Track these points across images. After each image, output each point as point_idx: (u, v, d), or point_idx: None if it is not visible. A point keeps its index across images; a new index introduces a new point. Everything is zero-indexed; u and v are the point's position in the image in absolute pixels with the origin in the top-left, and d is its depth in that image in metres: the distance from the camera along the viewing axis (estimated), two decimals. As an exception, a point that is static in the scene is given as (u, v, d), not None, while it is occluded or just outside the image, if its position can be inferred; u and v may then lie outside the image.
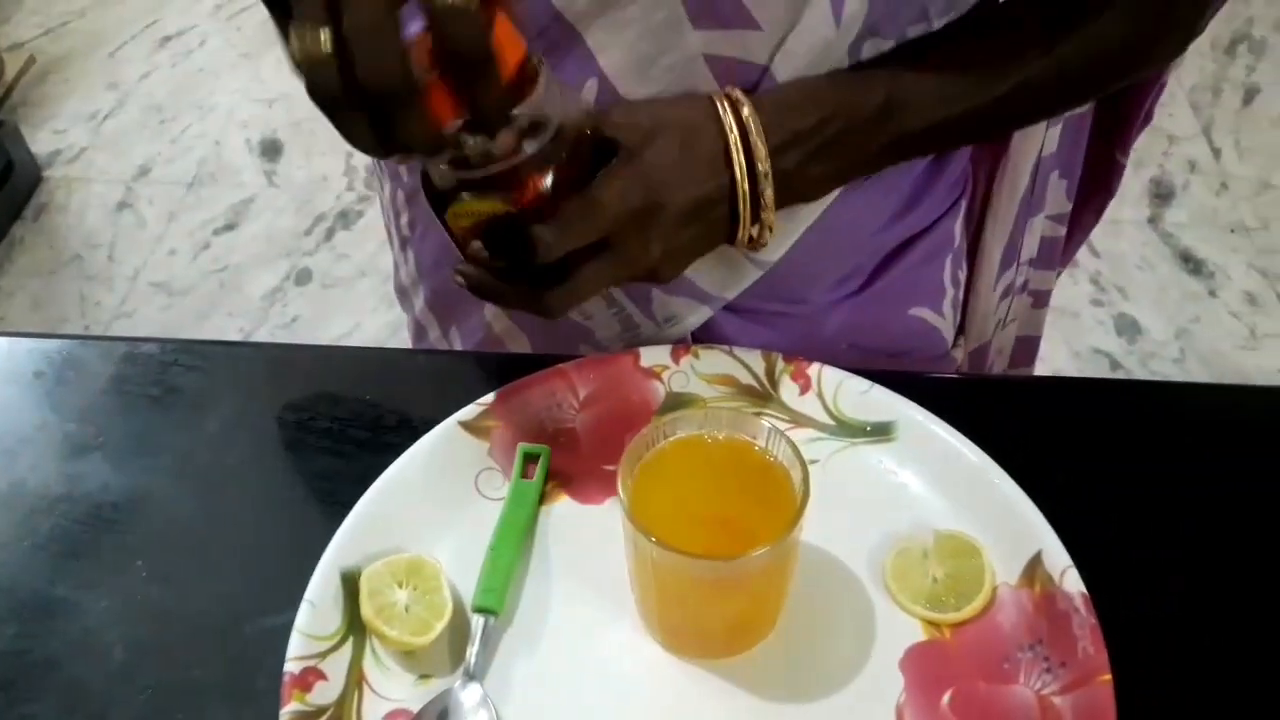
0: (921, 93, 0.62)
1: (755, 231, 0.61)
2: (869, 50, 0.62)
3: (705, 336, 0.72)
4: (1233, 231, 1.98)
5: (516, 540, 0.59)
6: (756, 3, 0.59)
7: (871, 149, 0.63)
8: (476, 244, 0.56)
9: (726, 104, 0.59)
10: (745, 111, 0.59)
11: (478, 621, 0.56)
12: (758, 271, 0.69)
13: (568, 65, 0.63)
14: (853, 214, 0.69)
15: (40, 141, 2.20)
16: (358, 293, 1.93)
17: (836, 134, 0.61)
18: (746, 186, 0.59)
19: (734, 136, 0.59)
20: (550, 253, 0.54)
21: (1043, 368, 1.79)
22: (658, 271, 0.60)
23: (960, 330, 0.84)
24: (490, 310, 0.76)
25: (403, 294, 0.85)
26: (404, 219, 0.79)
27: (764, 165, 0.59)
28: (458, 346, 0.80)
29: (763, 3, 0.59)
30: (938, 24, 0.63)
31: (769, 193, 0.60)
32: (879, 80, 0.61)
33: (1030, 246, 0.83)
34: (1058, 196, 0.81)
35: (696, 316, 0.71)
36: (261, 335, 1.86)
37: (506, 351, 0.78)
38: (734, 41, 0.61)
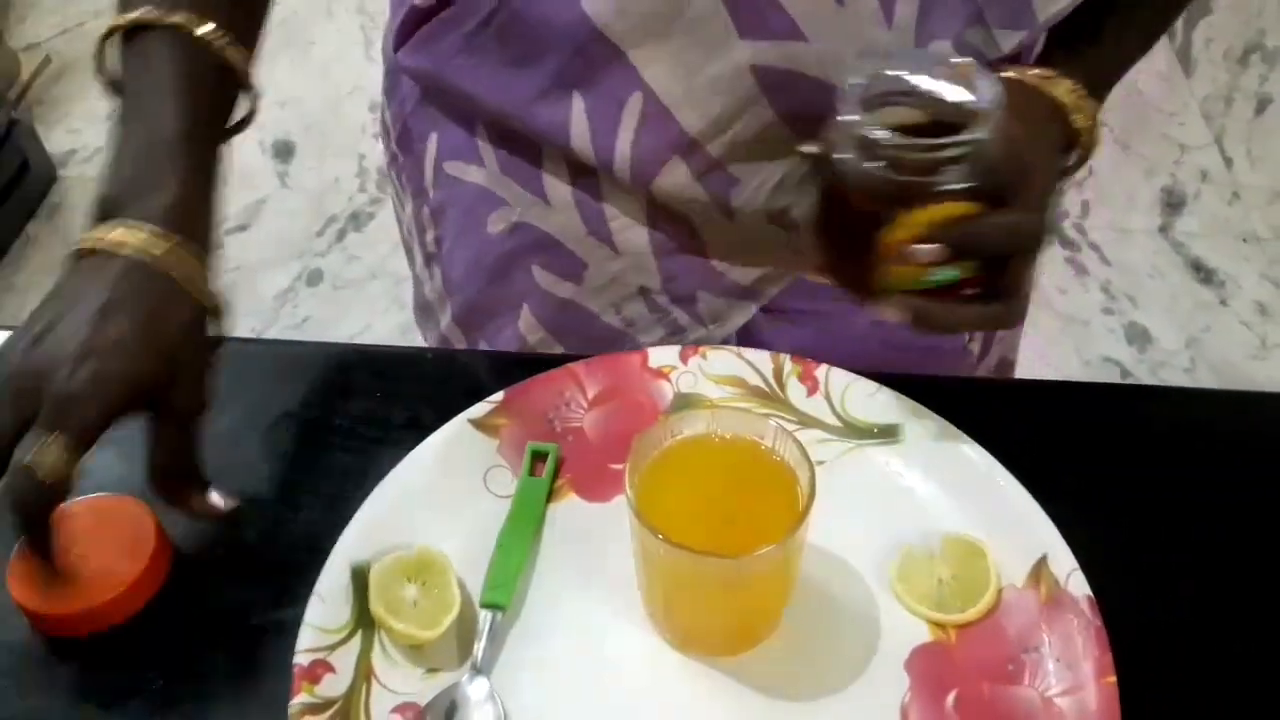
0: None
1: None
2: None
3: (745, 338, 0.74)
4: (1244, 241, 1.98)
5: (525, 537, 0.60)
6: (801, 12, 0.60)
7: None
8: (925, 249, 0.55)
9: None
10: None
11: (485, 617, 0.56)
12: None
13: (610, 81, 0.64)
14: None
15: (55, 141, 2.21)
16: (368, 294, 1.94)
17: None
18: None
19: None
20: (1035, 241, 0.56)
21: (1052, 375, 1.79)
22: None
23: None
24: (525, 322, 0.77)
25: (425, 311, 0.85)
26: (429, 235, 0.79)
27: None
28: None
29: (808, 12, 0.60)
30: (998, 34, 0.63)
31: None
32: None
33: None
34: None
35: (741, 315, 0.74)
36: (272, 335, 1.87)
37: (519, 352, 0.79)
38: (783, 52, 0.61)
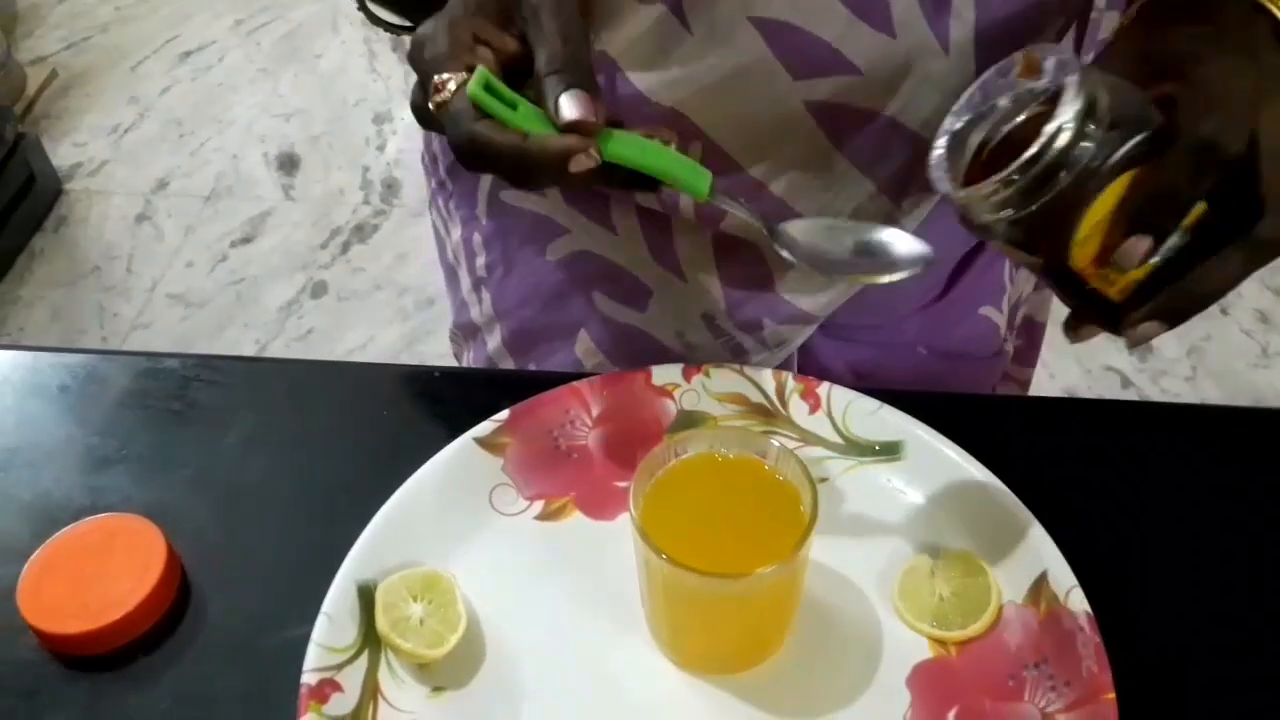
0: None
1: None
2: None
3: (804, 356, 0.76)
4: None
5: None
6: (854, 50, 0.59)
7: None
8: (1132, 248, 0.48)
9: None
10: None
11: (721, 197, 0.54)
12: (853, 289, 0.71)
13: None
14: (942, 229, 0.69)
15: (61, 154, 2.22)
16: (372, 306, 1.95)
17: None
18: None
19: None
20: (1235, 132, 0.49)
21: (1053, 384, 1.80)
22: None
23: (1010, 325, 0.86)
24: (582, 346, 0.77)
25: (469, 332, 0.84)
26: (480, 260, 0.80)
27: None
28: None
29: (860, 49, 0.59)
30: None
31: None
32: None
33: None
34: None
35: (800, 337, 0.74)
36: (277, 347, 1.88)
37: (525, 369, 0.79)
38: (837, 86, 0.60)
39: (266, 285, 1.98)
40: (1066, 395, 1.77)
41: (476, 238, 0.79)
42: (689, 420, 0.66)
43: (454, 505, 0.62)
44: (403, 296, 1.95)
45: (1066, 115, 0.47)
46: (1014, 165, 0.47)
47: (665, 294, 0.73)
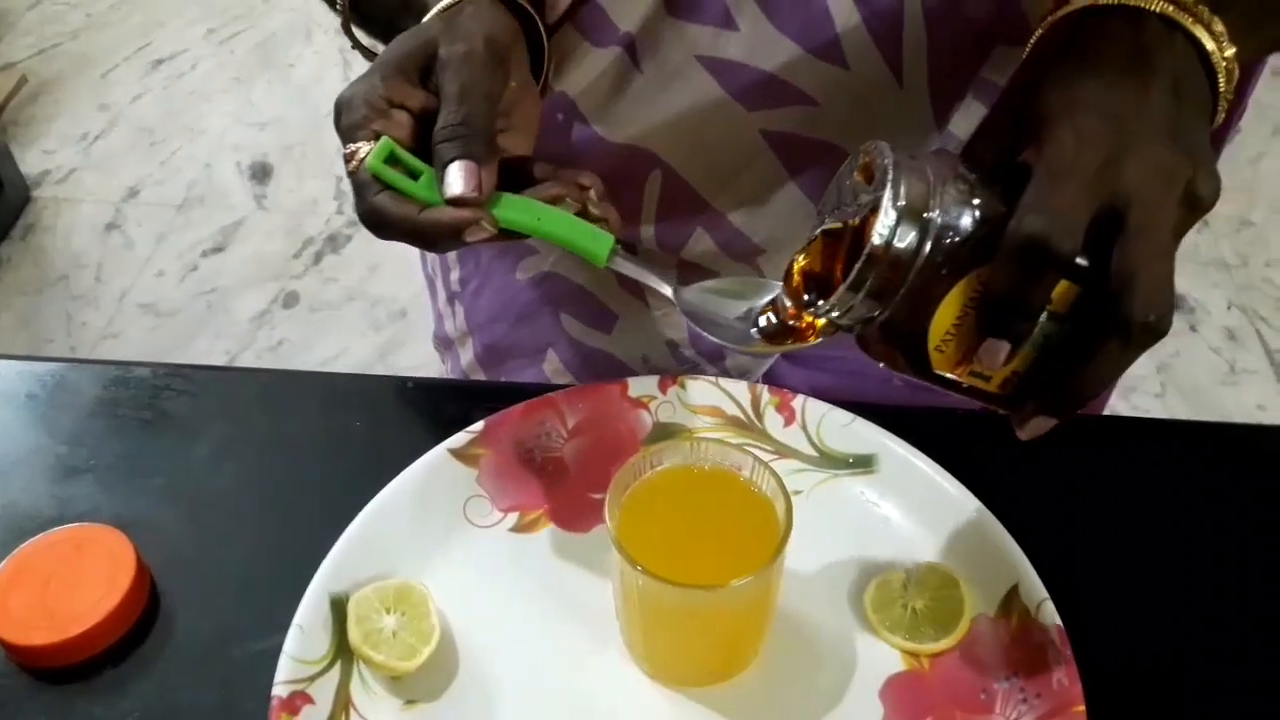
0: None
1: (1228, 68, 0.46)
2: (961, 119, 0.61)
3: (768, 383, 0.75)
4: (1213, 268, 2.01)
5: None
6: (800, 78, 0.59)
7: None
8: (989, 349, 0.44)
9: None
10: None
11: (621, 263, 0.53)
12: None
13: (629, 165, 0.65)
14: None
15: (30, 161, 2.20)
16: (345, 317, 1.94)
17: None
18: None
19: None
20: (1069, 237, 0.41)
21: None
22: (1200, 196, 0.44)
23: None
24: (550, 365, 0.77)
25: (445, 344, 0.86)
26: (454, 275, 0.80)
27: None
28: None
29: (805, 75, 0.58)
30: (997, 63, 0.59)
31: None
32: None
33: None
34: None
35: (762, 367, 0.75)
36: (248, 358, 1.86)
37: (499, 380, 0.80)
38: (792, 117, 0.61)
39: (238, 295, 1.97)
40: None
41: (451, 253, 0.79)
42: (665, 432, 0.66)
43: (428, 517, 0.62)
44: (375, 308, 1.94)
45: (882, 229, 0.43)
46: (842, 286, 0.44)
47: (630, 319, 0.74)
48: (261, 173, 2.19)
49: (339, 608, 0.57)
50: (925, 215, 0.43)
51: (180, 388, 0.71)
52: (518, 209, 0.51)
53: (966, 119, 0.63)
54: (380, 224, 0.50)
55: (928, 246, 0.43)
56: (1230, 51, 0.45)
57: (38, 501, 0.65)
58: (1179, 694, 0.58)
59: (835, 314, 0.46)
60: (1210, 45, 0.45)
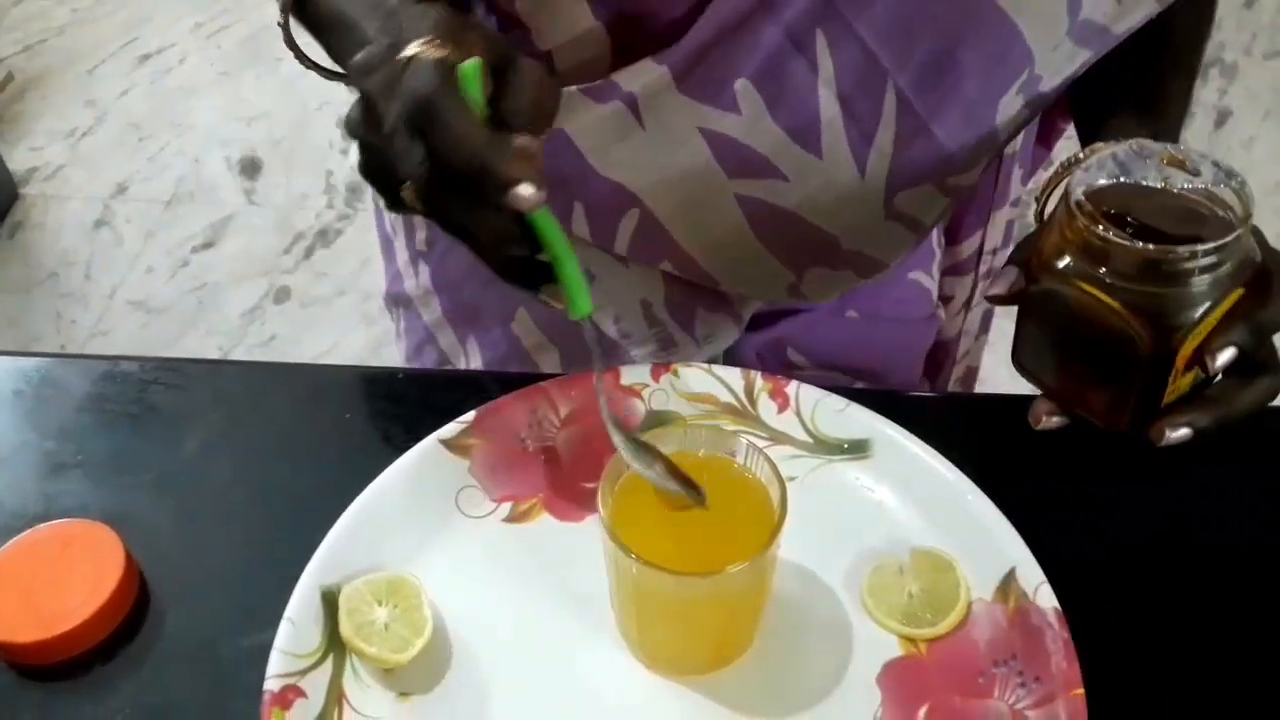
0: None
1: None
2: (905, 202, 0.66)
3: (729, 354, 0.78)
4: (1204, 251, 2.01)
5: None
6: (781, 160, 0.63)
7: None
8: (1225, 357, 0.50)
9: None
10: None
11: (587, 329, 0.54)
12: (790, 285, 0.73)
13: (610, 199, 0.67)
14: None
15: (17, 159, 2.19)
16: (336, 311, 1.93)
17: None
18: None
19: None
20: None
21: (1019, 381, 1.81)
22: None
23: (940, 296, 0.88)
24: (520, 324, 0.78)
25: (403, 304, 0.86)
26: (420, 235, 0.81)
27: None
28: (475, 356, 0.82)
29: (786, 159, 0.63)
30: (964, 175, 0.65)
31: None
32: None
33: (994, 237, 0.86)
34: (1016, 185, 0.85)
35: (728, 336, 0.76)
36: (239, 354, 1.85)
37: (490, 370, 0.79)
38: (763, 187, 0.65)
39: (228, 291, 1.96)
40: (1034, 393, 1.78)
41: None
42: (658, 419, 0.66)
43: (419, 508, 0.61)
44: (367, 302, 1.93)
45: (1239, 221, 0.48)
46: (1208, 245, 0.48)
47: (607, 278, 0.74)
48: (251, 168, 2.18)
49: (330, 601, 0.56)
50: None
51: (169, 382, 0.71)
52: (553, 221, 0.50)
53: (916, 200, 0.66)
54: (428, 119, 0.45)
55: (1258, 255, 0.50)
56: None
57: (25, 498, 0.65)
58: (1178, 676, 0.57)
59: (1190, 260, 0.48)
60: None
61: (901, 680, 0.56)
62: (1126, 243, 0.48)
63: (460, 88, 0.46)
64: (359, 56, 0.48)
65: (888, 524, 0.62)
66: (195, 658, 0.58)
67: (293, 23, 0.60)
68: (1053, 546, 0.58)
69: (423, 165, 0.46)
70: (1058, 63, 0.62)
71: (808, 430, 0.65)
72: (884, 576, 0.59)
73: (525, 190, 0.45)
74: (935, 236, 0.83)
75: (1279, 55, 2.36)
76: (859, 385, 0.81)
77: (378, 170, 0.48)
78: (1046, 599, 0.56)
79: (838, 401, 0.65)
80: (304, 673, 0.54)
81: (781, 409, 0.66)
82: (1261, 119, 2.23)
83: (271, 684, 0.53)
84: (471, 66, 0.46)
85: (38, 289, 1.97)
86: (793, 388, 0.66)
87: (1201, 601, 0.60)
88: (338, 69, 0.58)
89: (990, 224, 0.84)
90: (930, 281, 0.84)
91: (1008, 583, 0.58)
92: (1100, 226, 0.49)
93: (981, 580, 0.58)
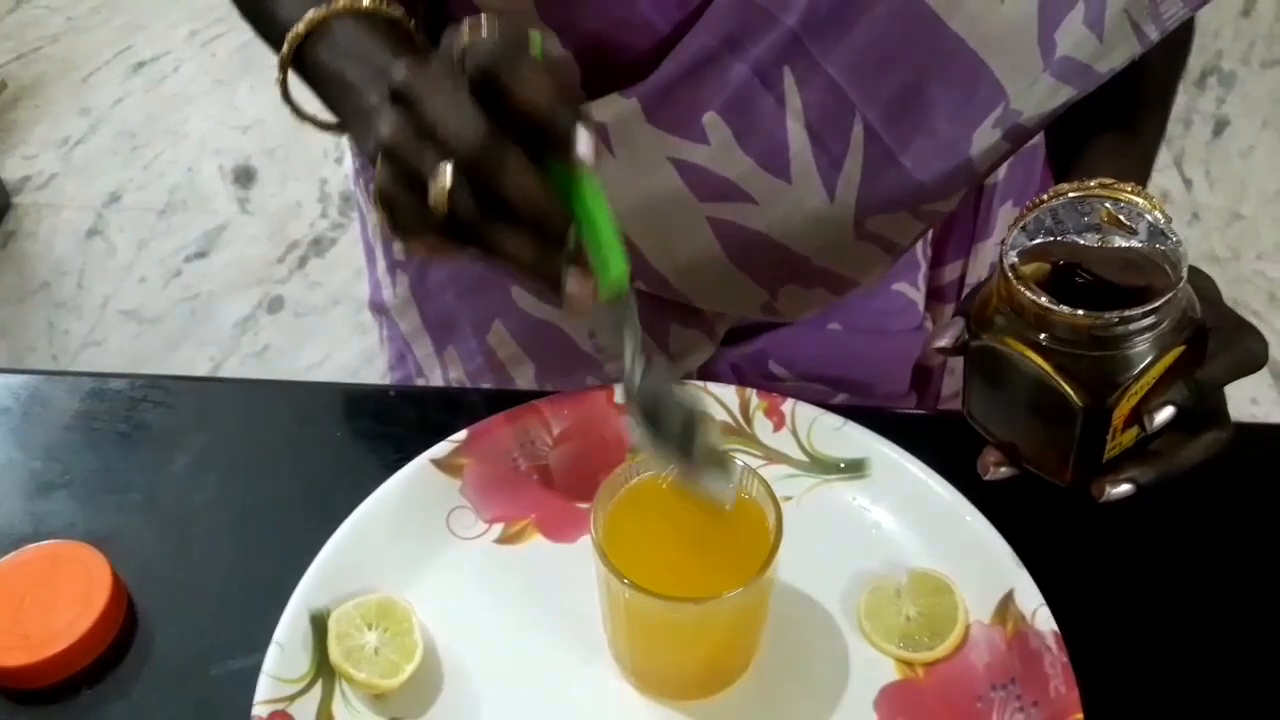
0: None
1: None
2: (877, 225, 0.66)
3: (704, 368, 0.77)
4: (1204, 262, 2.01)
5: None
6: (750, 185, 0.64)
7: None
8: (1165, 414, 0.50)
9: None
10: None
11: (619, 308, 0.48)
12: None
13: None
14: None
15: (10, 167, 2.18)
16: (330, 321, 1.92)
17: None
18: None
19: None
20: (1261, 359, 0.54)
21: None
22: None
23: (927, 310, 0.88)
24: (495, 335, 0.78)
25: (383, 312, 0.86)
26: (396, 245, 0.81)
27: None
28: (451, 367, 0.81)
29: (755, 184, 0.64)
30: (936, 205, 0.66)
31: None
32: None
33: (978, 269, 0.86)
34: (1002, 218, 0.84)
35: (701, 354, 0.76)
36: (232, 364, 1.84)
37: (482, 387, 0.78)
38: (733, 210, 0.65)
39: (222, 301, 1.95)
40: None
41: None
42: (651, 439, 0.65)
43: (410, 529, 0.60)
44: (361, 312, 1.92)
45: (1179, 279, 0.49)
46: (1138, 310, 0.48)
47: None
48: (245, 176, 2.17)
49: (319, 624, 0.55)
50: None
51: (157, 399, 0.70)
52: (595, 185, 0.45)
53: (889, 223, 0.66)
54: (497, 67, 0.42)
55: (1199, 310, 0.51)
56: None
57: (12, 518, 0.64)
58: (1177, 700, 0.57)
59: (1121, 324, 0.48)
60: None
61: (899, 705, 0.55)
62: (1055, 308, 0.48)
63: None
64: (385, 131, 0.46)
65: (885, 545, 0.61)
66: (184, 681, 0.57)
67: (291, 77, 0.60)
68: (1051, 569, 0.57)
69: (479, 121, 0.43)
70: (1038, 97, 0.62)
71: (804, 449, 0.65)
72: (881, 599, 0.58)
73: (586, 139, 0.43)
74: (920, 248, 0.83)
75: (1277, 64, 2.36)
76: (842, 396, 0.81)
77: (406, 176, 0.45)
78: (1045, 622, 0.55)
79: (834, 420, 0.65)
80: (292, 698, 0.53)
81: (777, 428, 0.65)
82: (1260, 128, 2.23)
83: (259, 710, 0.52)
84: (536, 35, 0.44)
85: (30, 299, 1.96)
86: (788, 406, 0.65)
87: (1202, 625, 0.60)
88: (334, 121, 0.60)
89: (973, 255, 0.84)
90: (916, 293, 0.84)
91: (1006, 605, 0.57)
92: (1030, 292, 0.48)
93: (980, 603, 0.58)
